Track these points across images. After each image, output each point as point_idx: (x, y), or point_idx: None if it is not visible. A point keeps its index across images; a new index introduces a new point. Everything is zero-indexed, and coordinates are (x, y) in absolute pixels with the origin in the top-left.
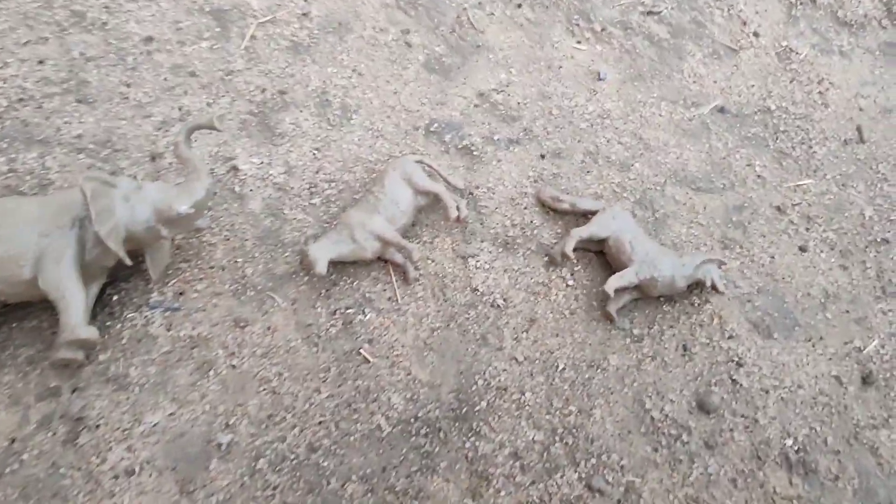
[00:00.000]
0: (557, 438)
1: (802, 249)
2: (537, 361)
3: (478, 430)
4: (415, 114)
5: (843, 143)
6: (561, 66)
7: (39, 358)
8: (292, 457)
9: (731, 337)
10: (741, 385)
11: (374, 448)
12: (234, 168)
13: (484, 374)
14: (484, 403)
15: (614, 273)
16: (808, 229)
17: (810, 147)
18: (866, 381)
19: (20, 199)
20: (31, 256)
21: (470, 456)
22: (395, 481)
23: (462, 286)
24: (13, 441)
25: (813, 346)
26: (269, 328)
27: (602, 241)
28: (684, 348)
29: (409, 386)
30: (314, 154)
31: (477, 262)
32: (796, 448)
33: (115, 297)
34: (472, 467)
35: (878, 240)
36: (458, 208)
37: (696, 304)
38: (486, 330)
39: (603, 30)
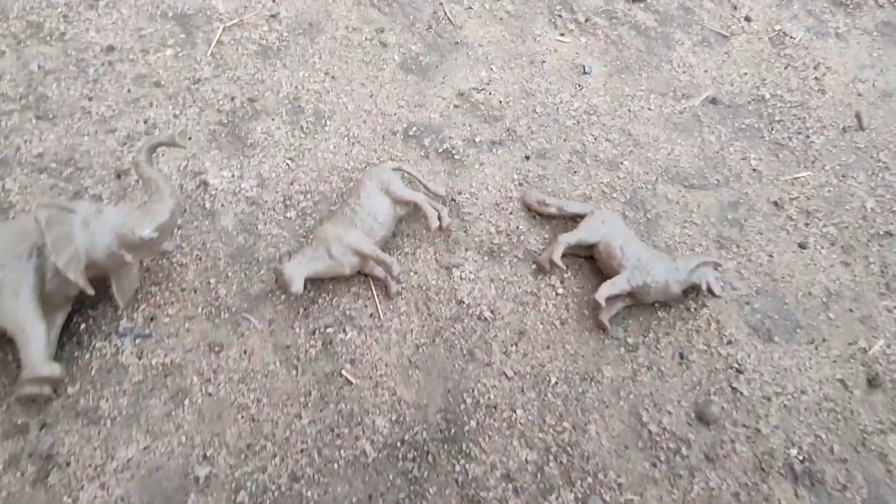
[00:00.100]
0: (551, 457)
1: (802, 246)
2: (528, 376)
3: (467, 451)
4: (392, 117)
5: (842, 131)
6: (544, 61)
7: (5, 393)
8: (274, 488)
9: (729, 342)
10: (742, 393)
11: (359, 475)
12: (204, 183)
13: (472, 391)
14: (473, 423)
15: (606, 279)
16: (807, 224)
17: (807, 137)
18: (872, 383)
19: None
20: None
21: (460, 480)
22: None
23: (447, 299)
24: None
25: (816, 348)
26: (245, 351)
27: (592, 247)
28: (681, 356)
29: (394, 407)
30: (288, 164)
31: (462, 272)
32: (801, 458)
33: (82, 326)
34: (462, 491)
35: (881, 233)
36: (439, 217)
37: (692, 309)
38: (473, 344)
39: (587, 20)
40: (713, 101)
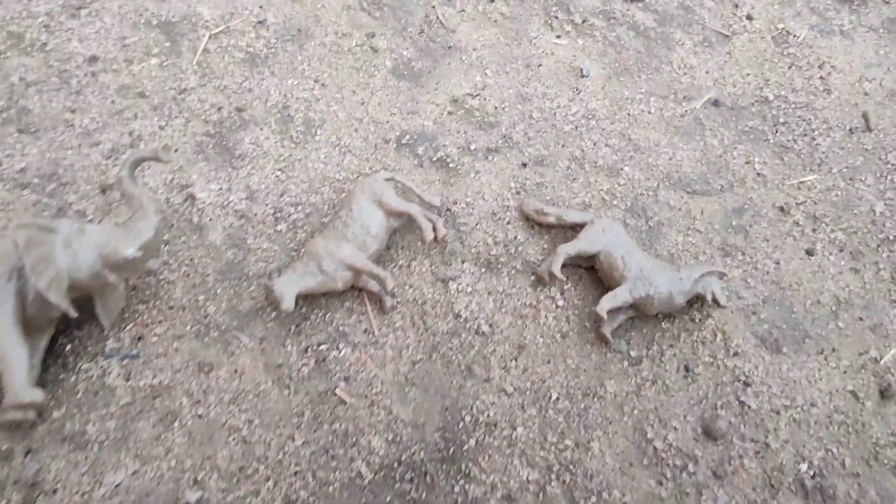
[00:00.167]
0: (553, 476)
1: (809, 253)
2: (528, 392)
3: (467, 471)
4: (384, 125)
5: (849, 133)
6: (540, 64)
7: None
8: None
9: (736, 354)
10: (749, 407)
11: (355, 498)
12: (192, 196)
13: (471, 408)
14: (472, 442)
15: (607, 290)
16: (814, 230)
17: (813, 139)
18: (884, 394)
19: None
20: None
21: (459, 501)
22: None
23: (443, 313)
24: None
25: (825, 359)
26: (236, 371)
27: (593, 257)
28: (686, 369)
29: (390, 427)
30: (277, 176)
31: (458, 285)
32: (812, 473)
33: (67, 347)
34: None
35: (891, 237)
36: (434, 228)
37: (697, 320)
38: (471, 360)
39: (584, 21)
40: (715, 103)
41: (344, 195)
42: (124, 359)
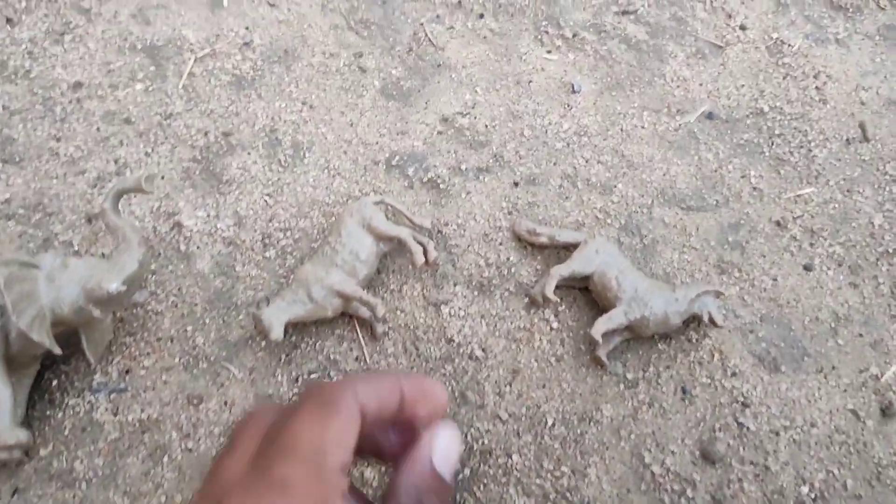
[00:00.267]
0: None
1: (807, 268)
2: (523, 418)
3: (462, 502)
4: (373, 147)
5: (846, 143)
6: (531, 81)
7: None
8: None
9: (734, 374)
10: (748, 428)
11: None
12: (179, 224)
13: (465, 437)
14: (467, 471)
15: (602, 311)
16: (812, 245)
17: (809, 150)
18: (886, 412)
19: None
20: None
21: None
22: None
23: (436, 338)
24: None
25: (825, 377)
26: (225, 403)
27: (587, 278)
28: (683, 391)
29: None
30: (266, 201)
31: (451, 308)
32: (813, 496)
33: (54, 382)
34: None
35: (890, 251)
36: (425, 251)
37: (693, 340)
38: (465, 386)
39: (574, 35)
40: (709, 116)
41: (333, 219)
42: (112, 393)
